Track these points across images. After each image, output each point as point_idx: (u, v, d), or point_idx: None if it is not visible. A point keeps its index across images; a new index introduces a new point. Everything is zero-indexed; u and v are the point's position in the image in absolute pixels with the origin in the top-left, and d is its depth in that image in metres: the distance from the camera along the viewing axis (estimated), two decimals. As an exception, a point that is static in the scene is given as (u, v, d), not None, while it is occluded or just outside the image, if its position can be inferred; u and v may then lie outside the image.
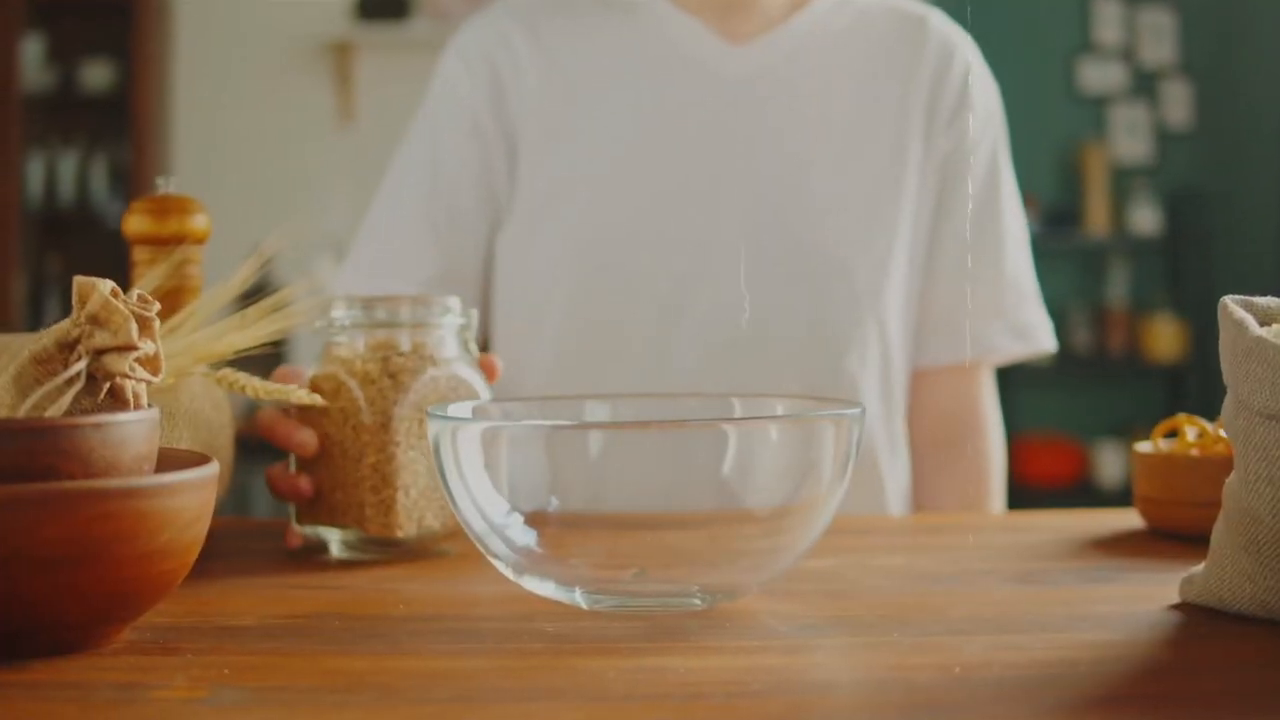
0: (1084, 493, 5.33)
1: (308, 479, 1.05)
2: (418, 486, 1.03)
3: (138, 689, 0.68)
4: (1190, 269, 5.53)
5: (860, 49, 1.54)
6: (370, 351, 1.04)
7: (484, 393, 1.06)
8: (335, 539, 1.05)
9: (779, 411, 0.98)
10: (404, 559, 1.04)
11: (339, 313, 1.06)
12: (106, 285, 0.77)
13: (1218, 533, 0.85)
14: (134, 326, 0.76)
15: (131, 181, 4.84)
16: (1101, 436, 5.48)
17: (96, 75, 5.10)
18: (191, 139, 5.26)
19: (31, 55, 5.04)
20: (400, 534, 1.02)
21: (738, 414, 1.00)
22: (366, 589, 0.93)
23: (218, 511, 1.14)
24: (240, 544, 1.10)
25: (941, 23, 1.57)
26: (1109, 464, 5.41)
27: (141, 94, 5.05)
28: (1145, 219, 5.53)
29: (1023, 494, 5.19)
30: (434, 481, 1.02)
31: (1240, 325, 0.81)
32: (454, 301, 1.07)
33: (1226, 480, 0.84)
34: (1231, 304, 0.83)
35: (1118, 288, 5.61)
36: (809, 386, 1.47)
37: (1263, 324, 0.82)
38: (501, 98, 1.52)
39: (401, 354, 1.04)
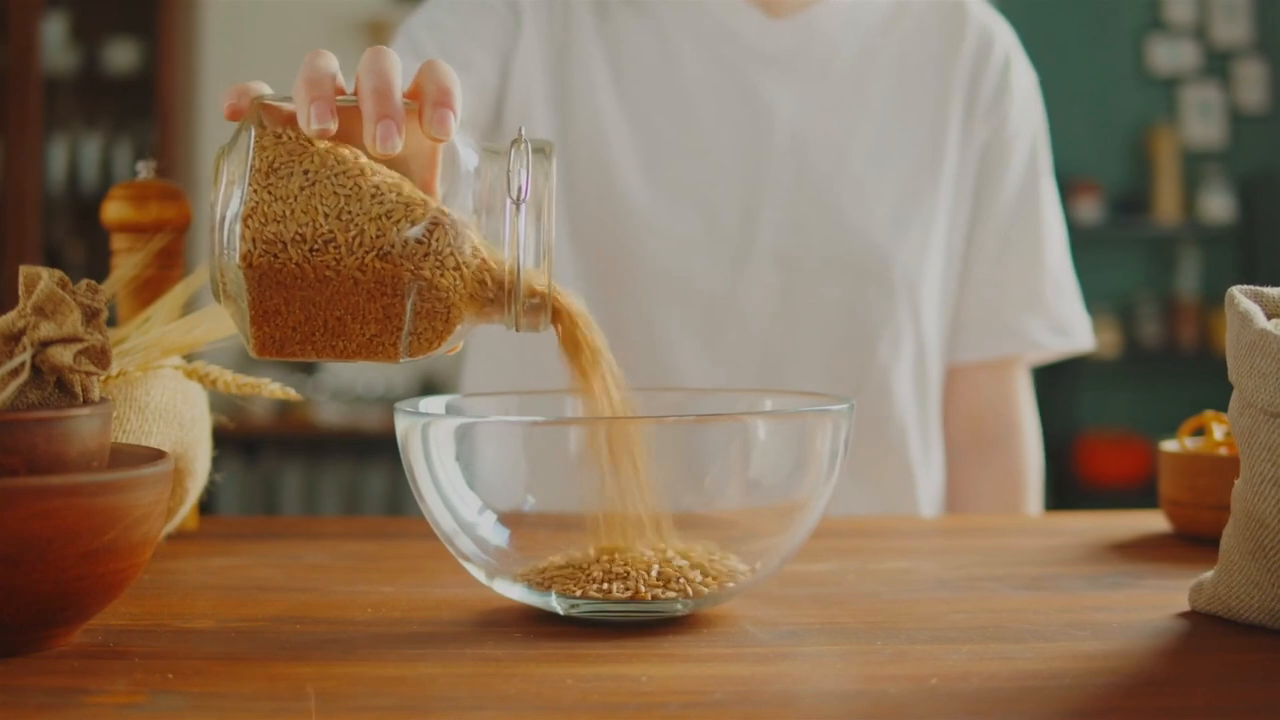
0: (1154, 492, 5.27)
1: None
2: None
3: (73, 694, 0.68)
4: (1264, 258, 5.47)
5: (898, 34, 1.54)
6: None
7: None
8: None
9: (767, 407, 0.97)
10: None
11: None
12: (54, 275, 0.77)
13: (1226, 538, 0.84)
14: (80, 317, 0.76)
15: (158, 166, 4.85)
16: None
17: (121, 55, 5.13)
18: (219, 121, 5.27)
19: (53, 35, 5.06)
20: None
21: (724, 410, 0.99)
22: (336, 592, 0.93)
23: (206, 509, 1.16)
24: (226, 545, 1.11)
25: (980, 9, 1.57)
26: (1178, 463, 5.36)
27: (168, 75, 5.08)
28: (1217, 206, 5.48)
29: (1089, 494, 5.16)
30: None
31: (1245, 317, 0.80)
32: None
33: (1234, 483, 0.83)
34: (1239, 295, 0.82)
35: (1188, 278, 5.56)
36: (838, 376, 1.47)
37: (1271, 316, 0.81)
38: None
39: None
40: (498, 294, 0.81)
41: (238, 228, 0.77)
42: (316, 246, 0.77)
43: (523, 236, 0.80)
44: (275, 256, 0.77)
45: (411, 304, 0.79)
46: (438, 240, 0.79)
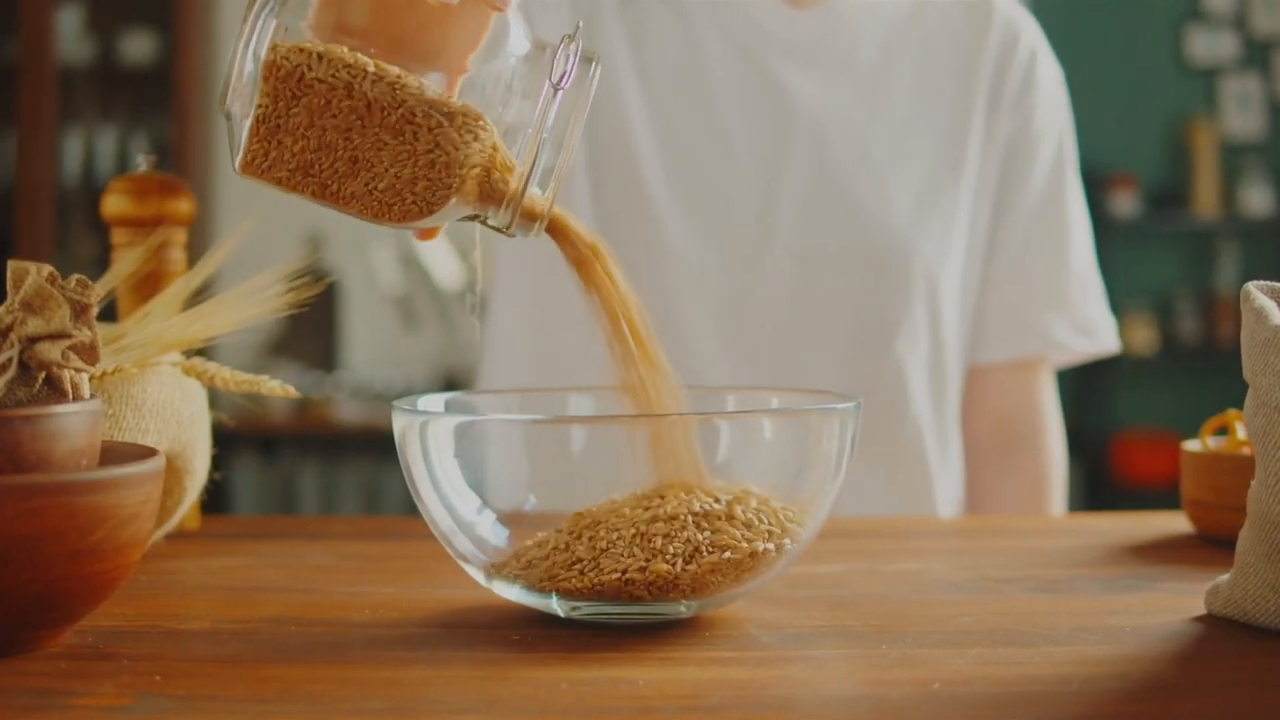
0: (1190, 494, 5.25)
1: None
2: None
3: (57, 696, 0.69)
4: (1305, 253, 5.46)
5: (922, 26, 1.55)
6: None
7: None
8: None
9: (773, 405, 0.97)
10: None
11: None
12: (43, 270, 0.77)
13: (1242, 540, 0.83)
14: (68, 313, 0.76)
15: (174, 159, 4.88)
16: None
17: (137, 47, 5.14)
18: (237, 114, 5.28)
19: (68, 25, 5.08)
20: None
21: (728, 408, 0.99)
22: (336, 593, 0.93)
23: (209, 507, 1.16)
24: (228, 544, 1.11)
25: (1006, 3, 1.57)
26: (1217, 463, 5.34)
27: (184, 66, 5.08)
28: (1257, 199, 5.45)
29: (1126, 494, 5.14)
30: None
31: (1260, 314, 0.79)
32: None
33: (1250, 485, 0.82)
34: (1254, 290, 0.81)
35: (1227, 273, 5.53)
36: (854, 370, 1.47)
37: (1287, 313, 0.81)
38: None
39: None
40: (504, 183, 0.81)
41: (272, 23, 0.77)
42: (388, 81, 0.77)
43: (550, 124, 0.80)
44: (334, 75, 0.77)
45: (458, 176, 0.79)
46: (484, 123, 0.79)
